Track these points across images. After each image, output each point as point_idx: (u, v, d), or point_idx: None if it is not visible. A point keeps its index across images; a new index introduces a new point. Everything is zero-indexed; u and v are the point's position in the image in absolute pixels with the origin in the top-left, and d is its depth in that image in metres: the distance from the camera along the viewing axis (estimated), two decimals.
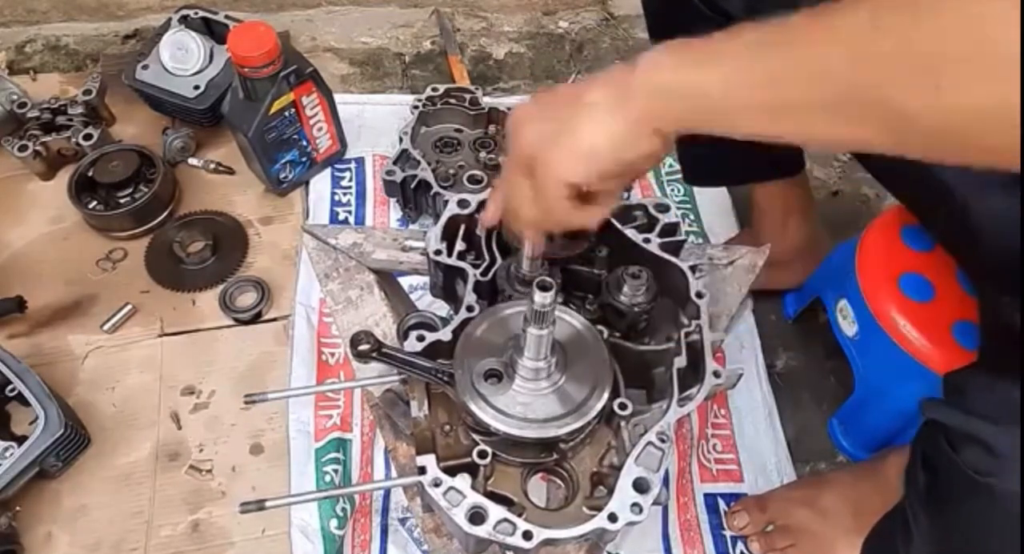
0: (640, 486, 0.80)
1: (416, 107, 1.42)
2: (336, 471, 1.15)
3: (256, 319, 1.30)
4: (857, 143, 0.56)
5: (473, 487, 0.80)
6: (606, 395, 0.84)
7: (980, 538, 0.72)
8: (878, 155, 0.96)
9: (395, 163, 1.35)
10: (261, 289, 1.30)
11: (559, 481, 0.92)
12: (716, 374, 0.88)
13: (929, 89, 0.45)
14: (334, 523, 1.09)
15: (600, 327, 0.91)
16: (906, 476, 0.81)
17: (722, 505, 1.16)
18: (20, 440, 1.07)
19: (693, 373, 0.89)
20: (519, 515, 0.80)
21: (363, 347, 0.85)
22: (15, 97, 1.46)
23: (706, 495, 1.17)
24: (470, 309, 0.92)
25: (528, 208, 0.70)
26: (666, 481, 1.14)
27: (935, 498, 0.75)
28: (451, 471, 0.82)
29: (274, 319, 1.31)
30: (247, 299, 1.31)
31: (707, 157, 1.29)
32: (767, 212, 1.31)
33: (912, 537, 0.78)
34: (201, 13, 1.45)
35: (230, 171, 1.48)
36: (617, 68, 0.63)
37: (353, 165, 1.51)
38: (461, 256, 0.99)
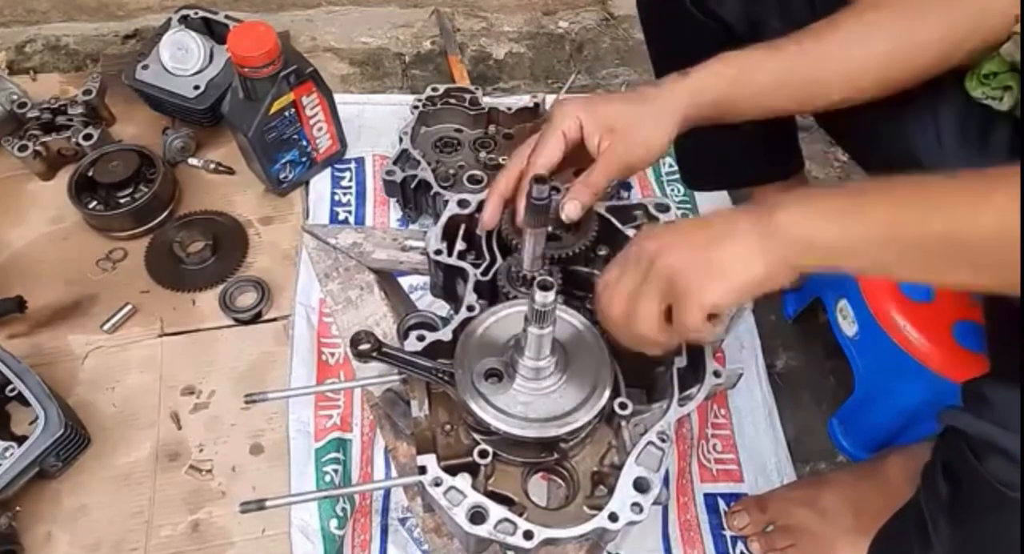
0: (640, 486, 0.80)
1: (416, 107, 1.42)
2: (336, 471, 1.14)
3: (256, 319, 1.30)
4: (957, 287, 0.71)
5: (474, 487, 0.81)
6: (606, 395, 0.84)
7: (1005, 550, 0.71)
8: (877, 157, 0.96)
9: (395, 163, 1.35)
10: (261, 289, 1.30)
11: (560, 481, 0.92)
12: (716, 374, 0.88)
13: None
14: (334, 523, 1.09)
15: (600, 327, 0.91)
16: (925, 484, 0.80)
17: (722, 505, 1.16)
18: (20, 440, 1.07)
19: (693, 373, 0.90)
20: (520, 515, 0.80)
21: (363, 347, 0.85)
22: (15, 97, 1.46)
23: (706, 495, 1.17)
24: (470, 309, 0.92)
25: (648, 323, 0.75)
26: (666, 481, 1.14)
27: (959, 510, 0.74)
28: (452, 470, 0.82)
29: (274, 319, 1.31)
30: (247, 299, 1.31)
31: (706, 161, 1.29)
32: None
33: (932, 545, 0.77)
34: (201, 13, 1.45)
35: (230, 171, 1.48)
36: (756, 208, 0.71)
37: (353, 165, 1.51)
38: (461, 256, 0.99)
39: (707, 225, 0.74)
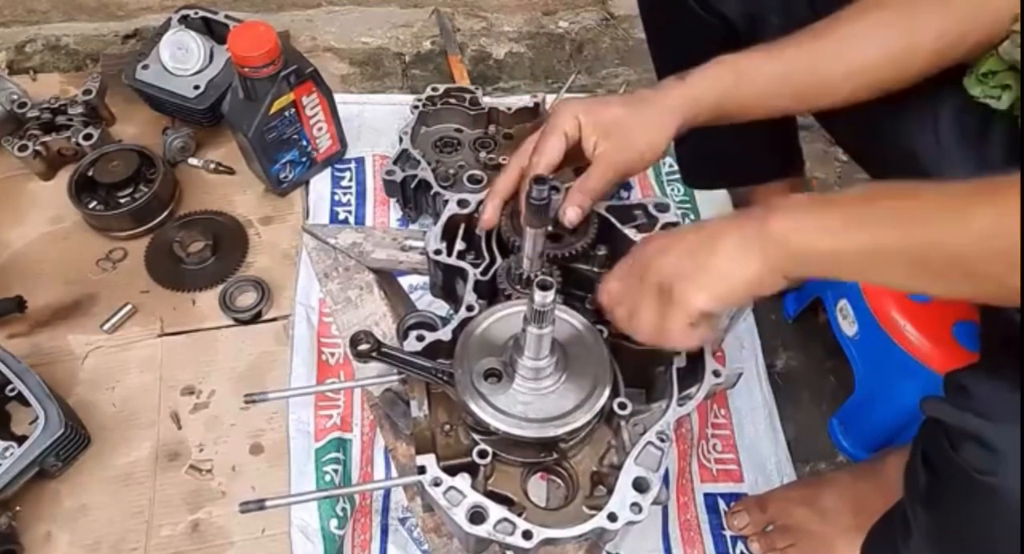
0: (640, 486, 0.80)
1: (416, 107, 1.42)
2: (336, 471, 1.15)
3: (256, 319, 1.30)
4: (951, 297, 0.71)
5: (473, 487, 0.81)
6: (606, 394, 0.84)
7: (981, 537, 0.72)
8: (876, 156, 0.96)
9: (395, 163, 1.35)
10: (261, 289, 1.30)
11: (559, 481, 0.92)
12: (716, 374, 0.88)
13: None
14: (334, 523, 1.09)
15: (600, 327, 0.91)
16: (906, 474, 0.81)
17: (722, 505, 1.16)
18: (20, 440, 1.07)
19: (693, 373, 0.90)
20: (519, 515, 0.80)
21: (363, 347, 0.85)
22: (15, 97, 1.46)
23: (706, 495, 1.17)
24: (470, 308, 0.92)
25: (647, 324, 0.78)
26: (666, 481, 1.14)
27: (935, 496, 0.76)
28: (451, 471, 0.82)
29: (274, 319, 1.31)
30: (247, 299, 1.31)
31: (706, 159, 1.29)
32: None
33: (912, 535, 0.78)
34: (201, 13, 1.45)
35: (230, 171, 1.48)
36: (749, 215, 0.72)
37: (353, 165, 1.51)
38: (461, 255, 0.99)
39: (701, 231, 0.75)
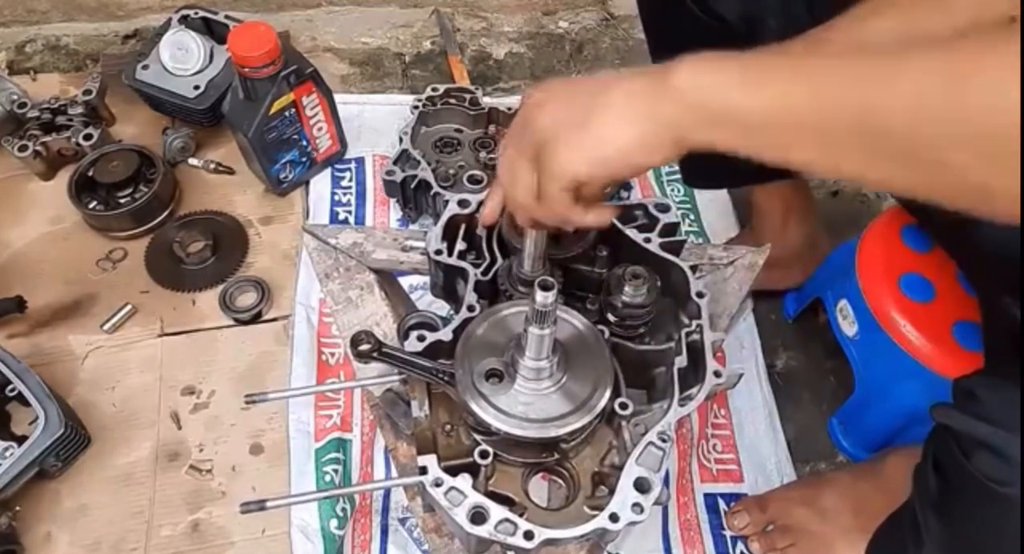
0: (641, 486, 0.80)
1: (416, 107, 1.43)
2: (336, 471, 1.15)
3: (256, 319, 1.30)
4: (885, 185, 0.58)
5: (474, 487, 0.80)
6: (607, 395, 0.84)
7: (996, 546, 0.71)
8: None
9: (395, 163, 1.35)
10: (261, 289, 1.30)
11: (560, 481, 0.92)
12: (716, 374, 0.88)
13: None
14: (334, 523, 1.09)
15: (601, 327, 0.91)
16: (916, 480, 0.80)
17: (722, 505, 1.16)
18: (20, 440, 1.07)
19: (693, 373, 0.90)
20: (520, 515, 0.80)
21: (363, 347, 0.85)
22: (15, 97, 1.46)
23: (706, 495, 1.17)
24: (471, 309, 0.92)
25: (524, 193, 0.69)
26: (666, 481, 1.14)
27: (947, 504, 0.75)
28: (452, 471, 0.82)
29: (274, 319, 1.31)
30: (247, 299, 1.31)
31: (707, 159, 1.28)
32: (767, 213, 1.31)
33: (923, 541, 0.77)
34: (201, 13, 1.45)
35: (230, 171, 1.48)
36: (654, 69, 0.60)
37: (353, 165, 1.51)
38: (462, 256, 0.99)
39: (595, 84, 0.64)
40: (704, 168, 1.32)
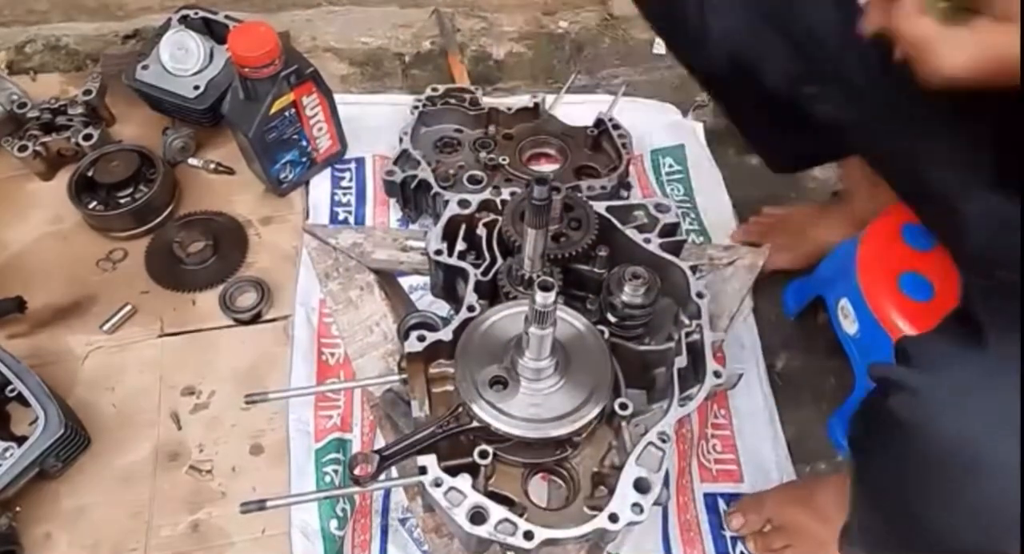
0: (641, 486, 0.80)
1: (416, 107, 1.42)
2: (336, 471, 1.14)
3: (256, 319, 1.30)
4: None
5: (474, 487, 0.81)
6: (607, 395, 0.84)
7: (899, 485, 0.76)
8: (876, 160, 0.95)
9: (395, 163, 1.36)
10: (261, 289, 1.30)
11: (560, 481, 0.92)
12: (716, 374, 0.88)
13: None
14: (334, 523, 1.09)
15: (601, 327, 0.91)
16: (848, 433, 0.88)
17: (722, 505, 1.16)
18: (20, 440, 1.07)
19: (693, 373, 0.90)
20: (520, 515, 0.80)
21: (368, 467, 0.80)
22: (15, 97, 1.46)
23: (706, 495, 1.17)
24: (471, 309, 0.92)
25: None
26: (666, 481, 1.14)
27: (864, 445, 0.82)
28: (452, 471, 0.82)
29: (274, 319, 1.30)
30: (247, 299, 1.31)
31: (785, 146, 1.24)
32: (856, 178, 1.31)
33: (851, 501, 0.84)
34: (201, 13, 1.45)
35: (230, 171, 1.48)
36: None
37: (353, 165, 1.51)
38: (462, 256, 0.99)
39: None
40: (784, 154, 1.28)
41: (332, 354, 1.26)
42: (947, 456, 0.69)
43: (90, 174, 1.38)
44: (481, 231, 0.99)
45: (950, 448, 0.68)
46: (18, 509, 1.09)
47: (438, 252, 0.99)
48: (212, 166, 1.48)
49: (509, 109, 1.44)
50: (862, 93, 0.88)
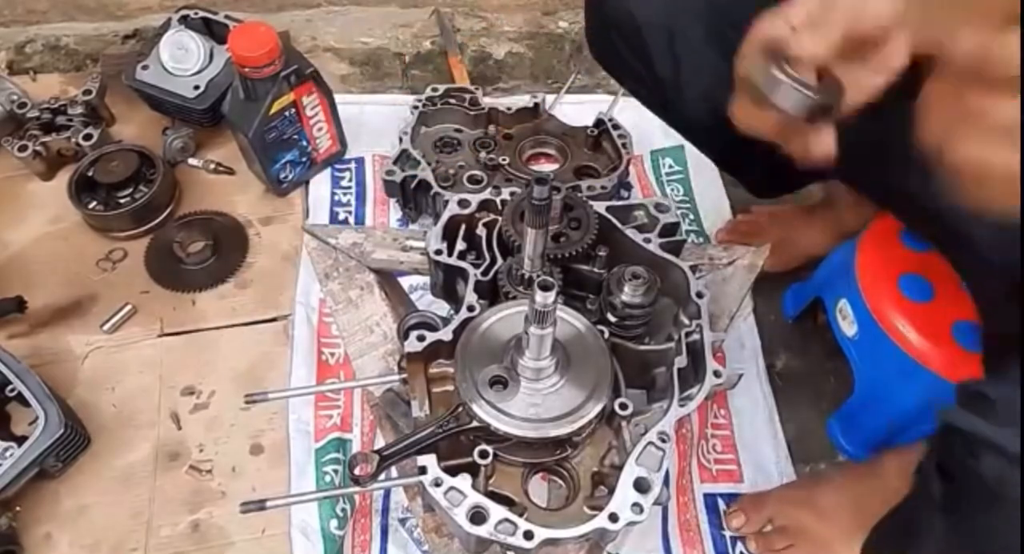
0: (641, 486, 0.80)
1: (416, 107, 1.42)
2: (336, 471, 1.15)
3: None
4: None
5: (474, 487, 0.81)
6: (607, 394, 0.84)
7: (1000, 547, 0.71)
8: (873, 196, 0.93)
9: (395, 163, 1.36)
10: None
11: (560, 481, 0.92)
12: (716, 374, 0.88)
13: None
14: (334, 523, 1.09)
15: (601, 327, 0.91)
16: (920, 482, 0.80)
17: (722, 505, 1.16)
18: (20, 440, 1.07)
19: (693, 373, 0.90)
20: (520, 515, 0.80)
21: (367, 467, 0.81)
22: (15, 97, 1.46)
23: (706, 495, 1.16)
24: (471, 309, 0.92)
25: None
26: (666, 481, 1.14)
27: (951, 506, 0.75)
28: (452, 471, 0.82)
29: (274, 319, 1.30)
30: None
31: (768, 176, 1.25)
32: (840, 189, 1.30)
33: (924, 543, 0.78)
34: (201, 13, 1.45)
35: (230, 171, 1.48)
36: None
37: (353, 165, 1.51)
38: (462, 256, 0.99)
39: None
40: (768, 182, 1.29)
41: (332, 354, 1.26)
42: None
43: (90, 174, 1.38)
44: (481, 231, 1.00)
45: None
46: (18, 509, 1.08)
47: (438, 252, 0.99)
48: (212, 166, 1.48)
49: (509, 109, 1.44)
50: (849, 137, 0.86)
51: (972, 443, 0.70)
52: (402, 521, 1.11)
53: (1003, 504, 0.68)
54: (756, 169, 1.18)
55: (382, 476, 1.14)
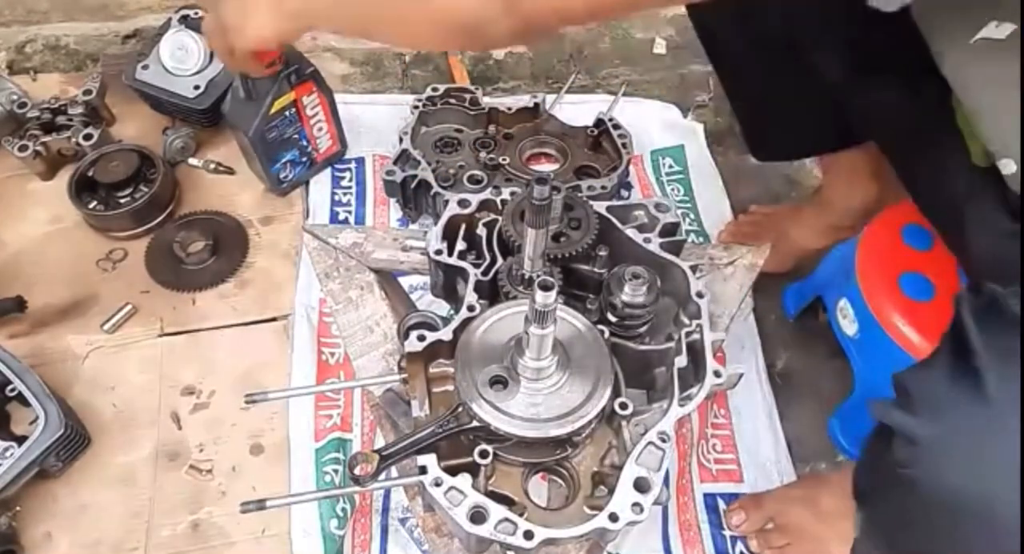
0: (641, 486, 0.80)
1: (416, 107, 1.42)
2: (336, 471, 1.15)
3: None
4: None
5: (474, 487, 0.81)
6: (607, 394, 0.84)
7: (907, 531, 0.75)
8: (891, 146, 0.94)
9: (395, 163, 1.36)
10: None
11: (560, 481, 0.92)
12: (716, 374, 0.88)
13: None
14: (334, 523, 1.09)
15: (601, 327, 0.91)
16: (852, 479, 0.85)
17: (722, 505, 1.16)
18: (20, 440, 1.07)
19: (693, 373, 0.90)
20: (520, 515, 0.80)
21: (367, 467, 0.81)
22: (15, 97, 1.46)
23: (706, 495, 1.17)
24: (471, 308, 0.92)
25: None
26: (666, 481, 1.14)
27: (868, 495, 0.80)
28: (452, 471, 0.82)
29: (274, 319, 1.30)
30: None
31: (773, 132, 1.26)
32: (833, 176, 1.31)
33: (857, 536, 0.81)
34: (201, 13, 1.45)
35: (230, 171, 1.48)
36: None
37: (353, 165, 1.51)
38: (462, 256, 0.99)
39: None
40: (772, 141, 1.29)
41: (332, 354, 1.26)
42: (953, 508, 0.67)
43: (90, 174, 1.38)
44: (481, 231, 1.00)
45: (956, 501, 0.67)
46: (18, 509, 1.08)
47: (438, 252, 0.99)
48: (212, 166, 1.48)
49: (509, 109, 1.44)
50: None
51: (888, 432, 0.74)
52: (402, 521, 1.11)
53: (904, 489, 0.71)
54: (777, 118, 1.21)
55: (382, 476, 1.14)
